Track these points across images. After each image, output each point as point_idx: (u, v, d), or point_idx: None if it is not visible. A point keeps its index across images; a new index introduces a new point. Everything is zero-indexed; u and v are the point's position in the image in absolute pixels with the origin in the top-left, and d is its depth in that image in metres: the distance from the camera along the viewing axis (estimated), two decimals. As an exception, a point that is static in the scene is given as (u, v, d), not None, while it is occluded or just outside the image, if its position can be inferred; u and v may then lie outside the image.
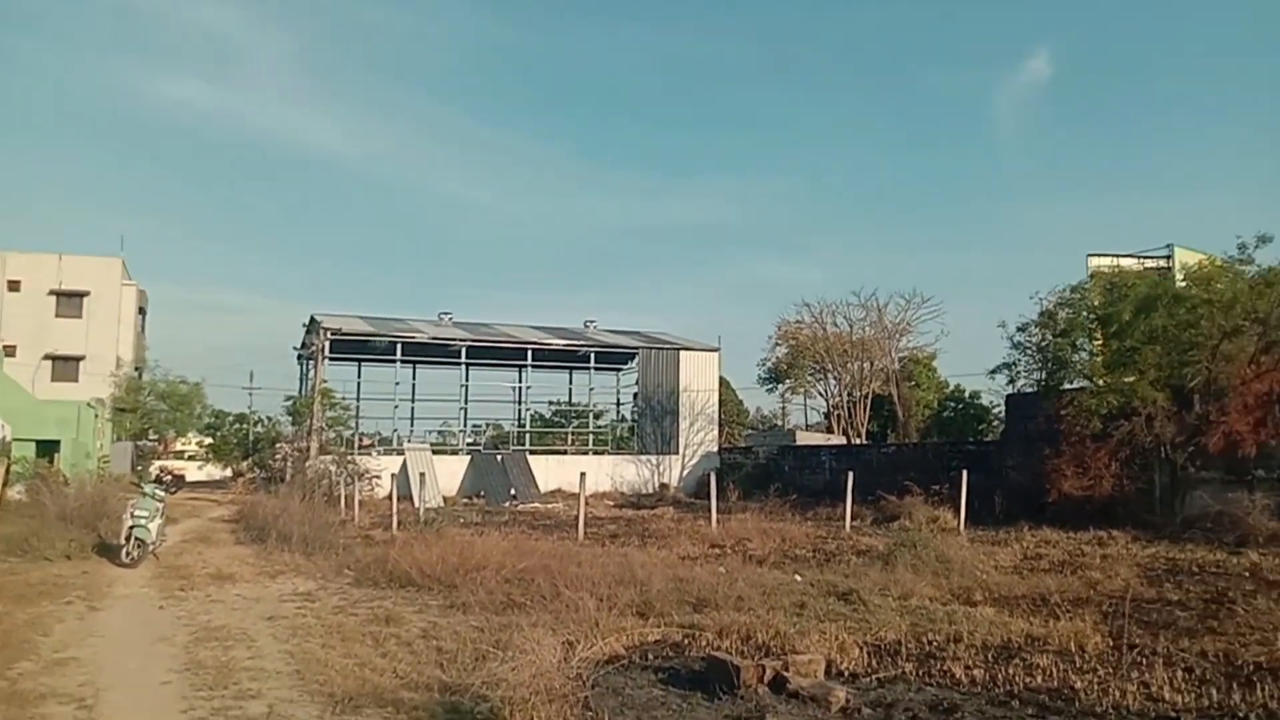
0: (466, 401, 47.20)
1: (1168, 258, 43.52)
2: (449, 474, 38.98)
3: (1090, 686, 7.21)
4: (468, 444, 45.94)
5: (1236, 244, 23.95)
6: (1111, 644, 8.85)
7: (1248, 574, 14.31)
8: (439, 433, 52.02)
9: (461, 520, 24.36)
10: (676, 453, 44.62)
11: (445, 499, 34.65)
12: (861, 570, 13.91)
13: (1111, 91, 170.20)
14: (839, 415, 52.18)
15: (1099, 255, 43.74)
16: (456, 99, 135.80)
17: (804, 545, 18.75)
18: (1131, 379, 23.21)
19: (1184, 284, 25.22)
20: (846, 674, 7.79)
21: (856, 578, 12.96)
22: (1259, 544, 17.54)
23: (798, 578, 13.38)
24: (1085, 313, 25.84)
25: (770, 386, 59.13)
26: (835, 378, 52.89)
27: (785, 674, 7.24)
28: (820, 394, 56.64)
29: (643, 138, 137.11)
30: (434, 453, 41.10)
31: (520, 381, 47.92)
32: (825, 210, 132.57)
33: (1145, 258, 43.31)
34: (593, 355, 46.65)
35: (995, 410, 44.16)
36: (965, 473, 23.94)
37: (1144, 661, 8.12)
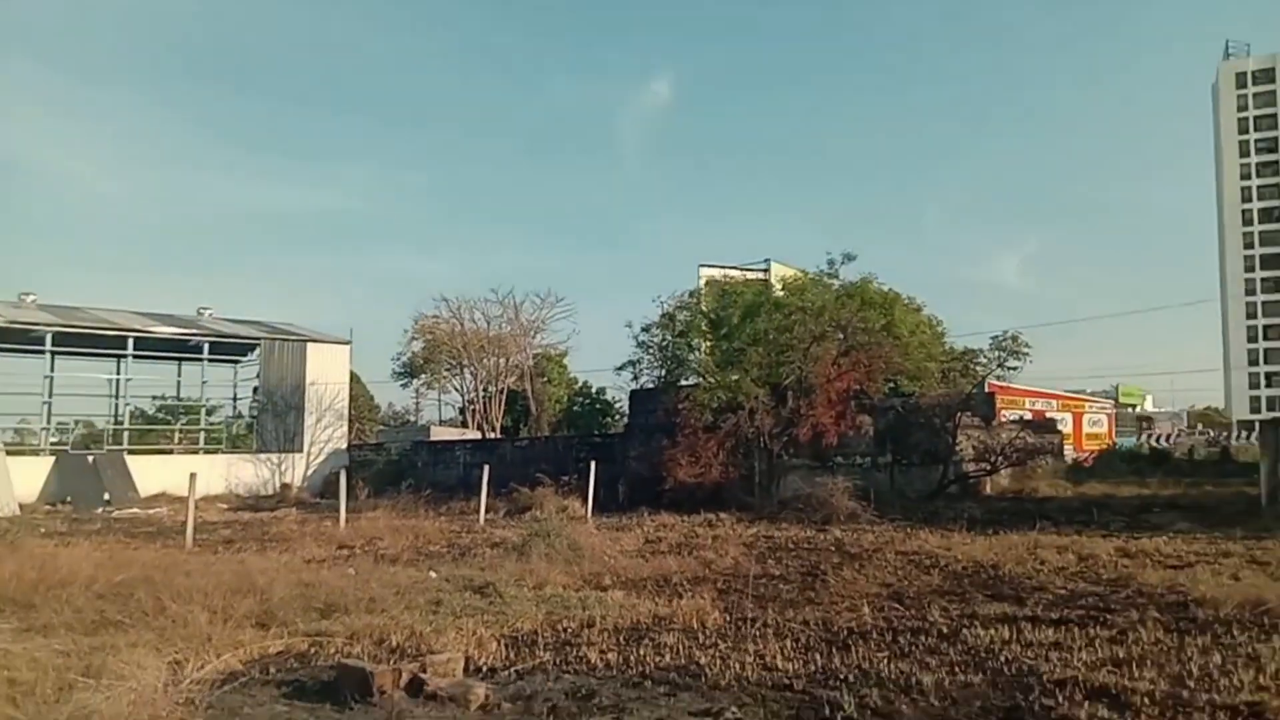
0: (51, 395, 41.35)
1: (766, 270, 48.37)
2: (27, 477, 33.94)
3: (713, 661, 7.68)
4: (52, 443, 40.27)
5: (826, 260, 27.23)
6: (729, 619, 9.54)
7: (833, 549, 16.13)
8: (15, 430, 45.20)
9: (43, 530, 21.28)
10: (301, 450, 42.19)
11: (21, 506, 30.12)
12: (497, 562, 13.93)
13: (722, 120, 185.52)
14: (474, 410, 52.34)
15: (709, 265, 47.60)
16: (60, 60, 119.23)
17: (439, 541, 18.46)
18: (737, 376, 25.49)
19: (782, 293, 28.18)
20: (486, 669, 7.68)
21: (492, 570, 12.94)
22: (840, 521, 19.91)
23: (433, 574, 13.10)
24: (700, 316, 27.99)
25: (405, 381, 58.05)
26: (472, 373, 53.03)
27: (423, 676, 6.99)
28: (456, 389, 56.52)
29: (271, 116, 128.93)
30: (8, 453, 35.57)
31: (119, 373, 42.84)
32: (461, 207, 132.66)
33: (747, 269, 47.81)
34: (206, 345, 42.74)
35: (619, 405, 46.62)
36: (593, 464, 24.99)
37: (758, 633, 8.81)
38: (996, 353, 28.64)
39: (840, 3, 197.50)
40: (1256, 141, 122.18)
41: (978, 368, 29.60)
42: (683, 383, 27.07)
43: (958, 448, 28.44)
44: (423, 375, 55.77)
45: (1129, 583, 11.48)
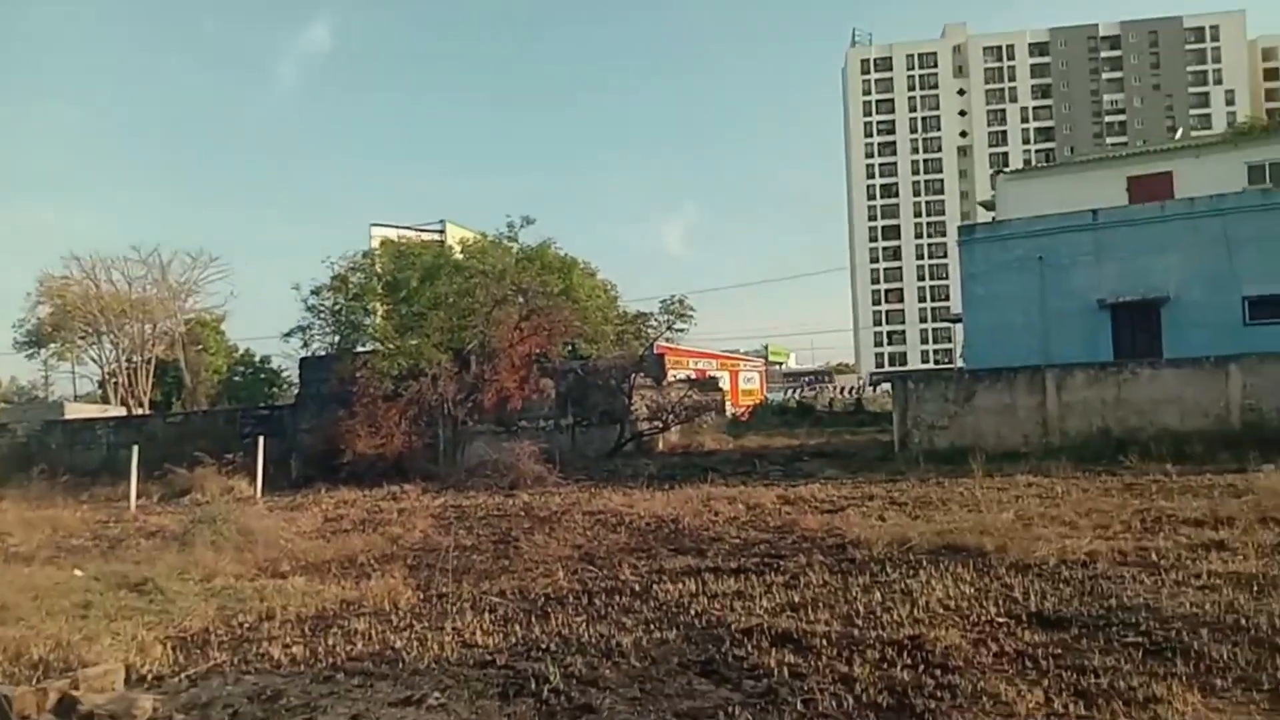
0: None
1: (441, 231, 47.50)
2: None
3: (410, 644, 7.36)
4: None
5: (506, 223, 27.05)
6: (423, 597, 9.22)
7: (523, 513, 16.16)
8: None
9: None
10: (-109, 435, 35.85)
11: None
12: (155, 554, 12.56)
13: (389, 74, 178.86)
14: (117, 384, 46.98)
15: (381, 225, 46.00)
16: None
17: (82, 533, 16.38)
18: (418, 342, 24.80)
19: (461, 256, 27.72)
20: (151, 678, 6.84)
21: (150, 564, 11.64)
22: (528, 485, 19.99)
23: (78, 572, 11.57)
24: (376, 278, 26.86)
25: (31, 352, 50.78)
26: (112, 342, 47.45)
27: (74, 693, 6.10)
28: (94, 360, 50.38)
29: None
30: None
31: None
32: (105, 157, 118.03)
33: (422, 230, 46.70)
34: None
35: (286, 374, 43.90)
36: (261, 439, 23.30)
37: (455, 609, 8.57)
38: (666, 316, 29.93)
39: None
40: (879, 123, 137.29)
41: (649, 330, 30.77)
42: (359, 349, 25.87)
43: (633, 408, 29.61)
44: (52, 345, 49.15)
45: (793, 529, 12.45)
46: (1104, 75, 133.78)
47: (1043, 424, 19.68)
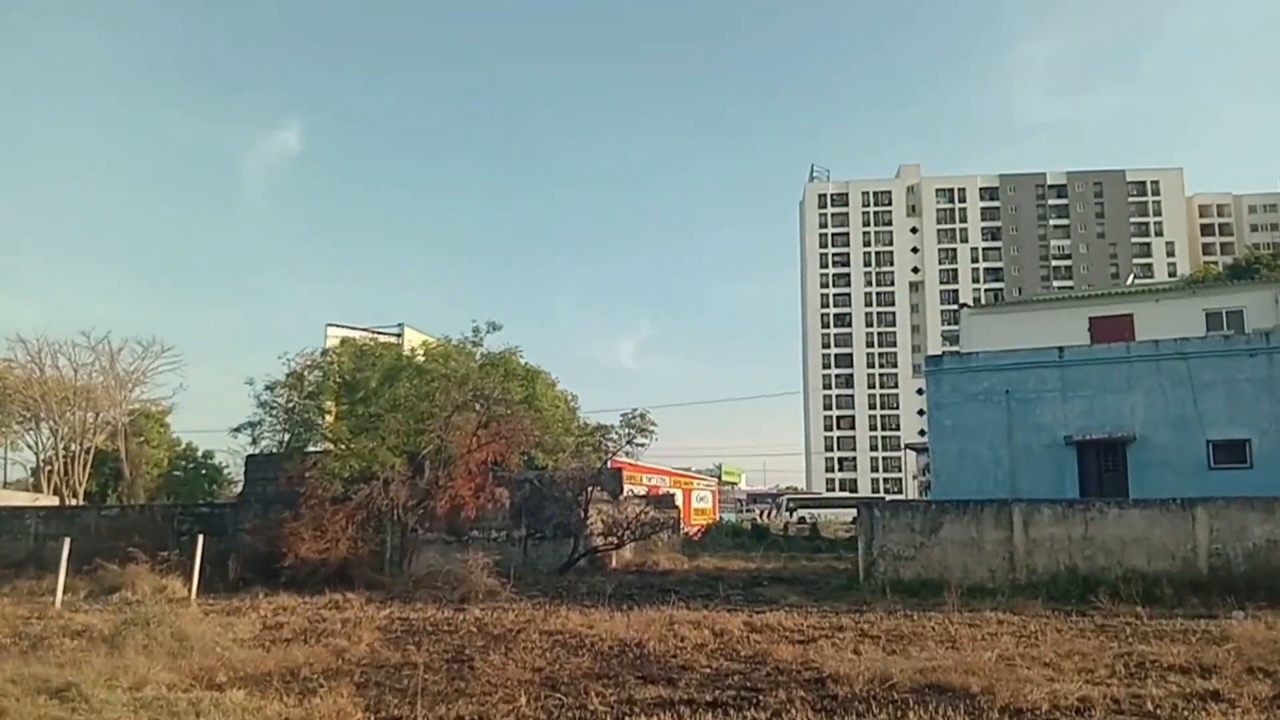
0: None
1: (399, 335, 47.15)
2: None
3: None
4: None
5: (471, 328, 26.76)
6: (374, 719, 8.49)
7: (476, 630, 15.34)
8: None
9: None
10: None
11: None
12: (81, 656, 11.61)
13: (354, 179, 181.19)
14: (51, 471, 45.08)
15: (338, 326, 45.59)
16: None
17: (1, 630, 15.23)
18: (374, 444, 24.07)
19: (423, 359, 27.29)
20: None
21: (75, 667, 10.72)
22: (479, 600, 19.12)
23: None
24: (334, 378, 26.24)
25: (-36, 435, 48.77)
26: (51, 428, 45.73)
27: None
28: (30, 446, 48.44)
29: None
30: None
31: None
32: (57, 246, 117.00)
33: (380, 333, 46.32)
34: None
35: (230, 472, 42.53)
36: (200, 537, 22.22)
37: (411, 735, 7.88)
38: (626, 429, 29.52)
39: (484, 80, 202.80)
40: (834, 255, 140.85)
41: (608, 443, 30.30)
42: (311, 449, 25.02)
43: (589, 522, 28.88)
44: (-13, 429, 47.25)
45: (766, 659, 11.88)
46: (1051, 221, 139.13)
47: (1010, 559, 19.40)
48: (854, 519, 27.15)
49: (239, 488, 34.11)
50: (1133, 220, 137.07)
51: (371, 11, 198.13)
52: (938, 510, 20.62)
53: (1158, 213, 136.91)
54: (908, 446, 72.97)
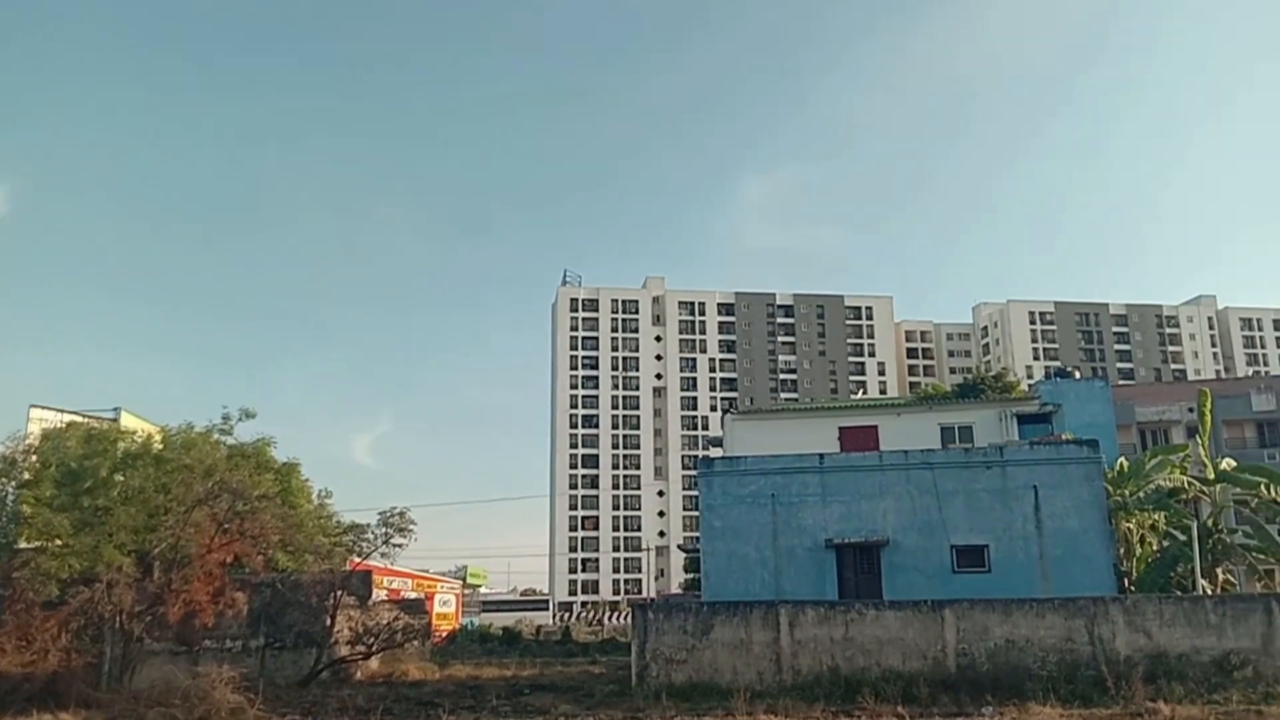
0: None
1: (115, 419, 42.81)
2: None
3: None
4: None
5: (221, 414, 24.69)
6: None
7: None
8: None
9: None
10: None
11: None
12: None
13: (62, 247, 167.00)
14: None
15: (42, 408, 40.77)
16: None
17: None
18: (98, 541, 21.39)
19: (159, 447, 24.79)
20: None
21: None
22: (223, 719, 17.12)
23: None
24: (57, 465, 23.17)
25: None
26: None
27: None
28: None
29: None
30: None
31: None
32: None
33: (91, 416, 41.81)
34: None
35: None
36: None
37: None
38: (384, 529, 27.91)
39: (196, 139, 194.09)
40: (583, 358, 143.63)
41: (363, 544, 28.51)
42: (23, 545, 21.82)
43: (335, 630, 26.95)
44: None
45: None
46: (780, 338, 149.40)
47: (776, 661, 19.90)
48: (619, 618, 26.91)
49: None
50: (849, 341, 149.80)
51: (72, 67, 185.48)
52: (709, 612, 20.91)
53: (871, 335, 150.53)
54: (679, 547, 74.48)
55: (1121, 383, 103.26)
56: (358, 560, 29.55)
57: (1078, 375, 49.06)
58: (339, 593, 27.20)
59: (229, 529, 23.32)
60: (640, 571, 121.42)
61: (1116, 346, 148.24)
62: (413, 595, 47.61)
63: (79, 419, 37.59)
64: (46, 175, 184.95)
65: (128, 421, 40.30)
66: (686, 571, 59.46)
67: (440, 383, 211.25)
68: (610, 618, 74.22)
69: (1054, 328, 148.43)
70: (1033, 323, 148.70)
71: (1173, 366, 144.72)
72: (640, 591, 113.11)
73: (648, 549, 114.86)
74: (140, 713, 18.08)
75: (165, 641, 22.90)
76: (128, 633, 21.69)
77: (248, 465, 24.11)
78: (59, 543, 21.46)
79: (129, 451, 23.08)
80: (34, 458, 22.85)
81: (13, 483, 22.57)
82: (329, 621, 26.72)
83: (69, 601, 20.49)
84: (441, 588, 59.45)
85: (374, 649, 27.35)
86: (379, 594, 38.18)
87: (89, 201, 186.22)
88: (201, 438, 24.56)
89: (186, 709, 17.73)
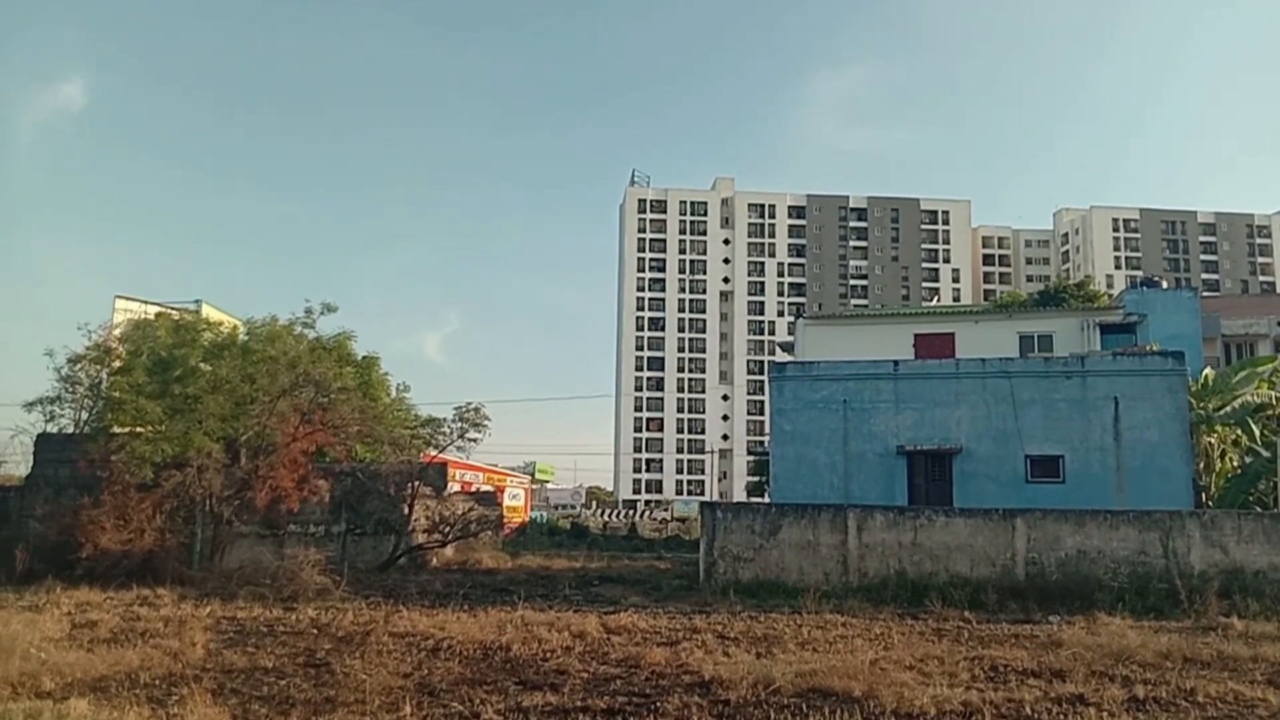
0: None
1: (197, 311, 43.93)
2: None
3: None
4: None
5: (304, 308, 25.21)
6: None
7: (317, 631, 14.37)
8: None
9: None
10: None
11: None
12: None
13: (143, 139, 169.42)
14: None
15: (128, 299, 41.97)
16: None
17: None
18: (189, 427, 22.24)
19: (246, 338, 25.48)
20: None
21: None
22: (310, 599, 17.90)
23: None
24: (148, 354, 24.01)
25: None
26: None
27: None
28: None
29: None
30: None
31: None
32: None
33: (174, 307, 42.97)
34: None
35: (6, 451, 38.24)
36: (-20, 524, 19.85)
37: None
38: (459, 423, 28.56)
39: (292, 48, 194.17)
40: (651, 260, 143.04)
41: (439, 437, 29.23)
42: (117, 430, 22.78)
43: (413, 518, 27.86)
44: None
45: (639, 663, 11.68)
46: (851, 243, 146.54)
47: (843, 563, 20.09)
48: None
49: (17, 469, 30.70)
50: (924, 246, 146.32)
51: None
52: (777, 513, 21.10)
53: (946, 241, 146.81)
54: (750, 451, 75.22)
55: (1207, 294, 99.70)
56: (433, 453, 30.29)
57: (1164, 285, 47.41)
58: (416, 483, 28.00)
59: (312, 419, 24.01)
60: (704, 473, 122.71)
61: (1203, 256, 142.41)
62: (485, 488, 48.85)
63: (164, 310, 38.72)
64: (125, 68, 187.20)
65: (209, 314, 41.46)
66: (751, 475, 59.87)
67: (508, 283, 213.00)
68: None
69: (1138, 235, 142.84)
70: (1115, 230, 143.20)
71: (1261, 279, 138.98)
72: (703, 492, 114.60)
73: (711, 451, 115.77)
74: (232, 590, 19.00)
75: (253, 525, 23.93)
76: (217, 515, 22.71)
77: (329, 358, 24.68)
78: (151, 428, 22.37)
79: (215, 342, 23.76)
80: (125, 346, 23.69)
81: (106, 370, 23.45)
82: (407, 510, 27.60)
83: (162, 484, 21.44)
84: (511, 482, 60.85)
85: (450, 538, 28.21)
86: (453, 486, 39.25)
87: (168, 94, 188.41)
88: (285, 330, 25.16)
89: (275, 588, 18.61)
